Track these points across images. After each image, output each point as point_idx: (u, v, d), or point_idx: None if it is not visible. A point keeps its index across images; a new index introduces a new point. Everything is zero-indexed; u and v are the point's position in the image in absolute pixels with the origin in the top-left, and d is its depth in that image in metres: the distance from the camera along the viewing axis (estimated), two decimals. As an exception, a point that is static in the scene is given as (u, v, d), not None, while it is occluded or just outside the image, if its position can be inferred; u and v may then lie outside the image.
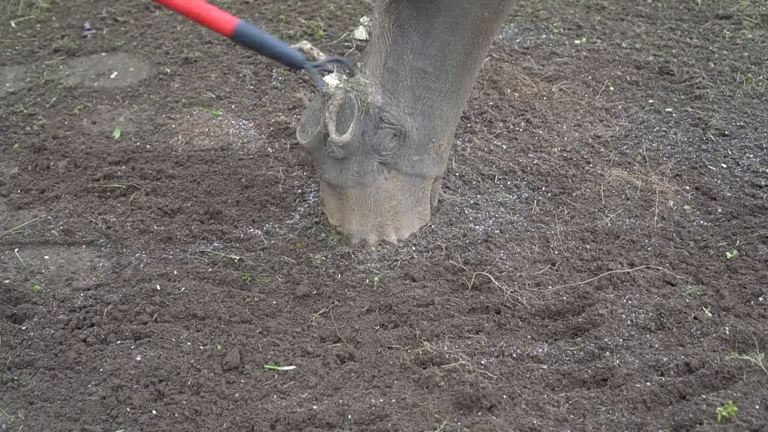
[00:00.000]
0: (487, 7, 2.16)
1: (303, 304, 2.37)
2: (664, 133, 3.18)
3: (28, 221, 2.69)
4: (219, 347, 2.19)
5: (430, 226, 2.61)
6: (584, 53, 3.84)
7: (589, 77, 3.63)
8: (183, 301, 2.32)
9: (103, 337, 2.20)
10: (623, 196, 2.79)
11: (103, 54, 3.89)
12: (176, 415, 1.96)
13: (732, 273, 2.42)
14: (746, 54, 3.78)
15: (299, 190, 2.84)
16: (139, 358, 2.12)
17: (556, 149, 3.07)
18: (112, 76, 3.68)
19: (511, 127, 3.23)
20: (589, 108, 3.37)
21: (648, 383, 1.98)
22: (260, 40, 2.26)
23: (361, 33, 2.37)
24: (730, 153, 3.03)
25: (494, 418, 1.91)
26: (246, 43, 2.29)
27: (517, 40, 4.00)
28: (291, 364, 2.14)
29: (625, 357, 2.08)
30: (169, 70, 3.69)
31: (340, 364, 2.14)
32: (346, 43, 3.91)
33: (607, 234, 2.60)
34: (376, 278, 2.44)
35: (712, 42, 3.92)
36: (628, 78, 3.61)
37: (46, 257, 2.53)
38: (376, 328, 2.27)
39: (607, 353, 2.10)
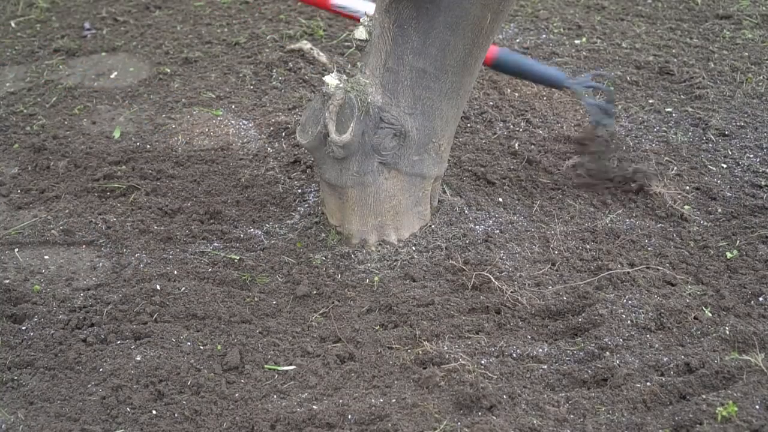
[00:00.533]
0: (487, 7, 2.16)
1: (303, 304, 2.37)
2: (664, 133, 3.18)
3: (28, 221, 2.69)
4: (219, 347, 2.19)
5: (430, 226, 2.61)
6: (584, 53, 3.84)
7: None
8: (183, 301, 2.32)
9: (103, 337, 2.20)
10: (623, 195, 2.79)
11: (103, 54, 3.89)
12: (176, 415, 1.96)
13: (732, 273, 2.42)
14: (746, 54, 3.78)
15: (299, 190, 2.84)
16: (139, 358, 2.12)
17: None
18: (112, 76, 3.68)
19: (511, 127, 3.23)
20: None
21: (648, 383, 1.98)
22: (519, 65, 2.42)
23: (361, 33, 2.37)
24: (730, 153, 3.03)
25: (494, 418, 1.91)
26: (506, 70, 2.42)
27: (517, 40, 4.00)
28: (291, 364, 2.14)
29: (625, 357, 2.08)
30: (169, 70, 3.69)
31: (340, 364, 2.14)
32: (346, 43, 3.91)
33: (607, 234, 2.60)
34: (376, 278, 2.44)
35: (712, 42, 3.92)
36: (628, 78, 3.61)
37: (46, 257, 2.53)
38: (376, 328, 2.27)
39: (607, 353, 2.10)
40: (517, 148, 3.06)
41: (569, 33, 4.08)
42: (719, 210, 2.71)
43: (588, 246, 2.54)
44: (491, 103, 3.39)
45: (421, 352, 2.14)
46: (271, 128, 3.22)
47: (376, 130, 2.32)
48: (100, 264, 2.50)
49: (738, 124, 3.21)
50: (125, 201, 2.79)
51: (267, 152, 3.08)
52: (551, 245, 2.55)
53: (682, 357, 2.05)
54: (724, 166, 2.96)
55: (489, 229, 2.63)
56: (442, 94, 2.34)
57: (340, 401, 2.00)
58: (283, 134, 3.18)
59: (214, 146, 3.12)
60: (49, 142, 3.12)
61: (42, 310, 2.29)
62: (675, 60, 3.74)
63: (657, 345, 2.13)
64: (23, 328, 2.24)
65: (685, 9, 4.32)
